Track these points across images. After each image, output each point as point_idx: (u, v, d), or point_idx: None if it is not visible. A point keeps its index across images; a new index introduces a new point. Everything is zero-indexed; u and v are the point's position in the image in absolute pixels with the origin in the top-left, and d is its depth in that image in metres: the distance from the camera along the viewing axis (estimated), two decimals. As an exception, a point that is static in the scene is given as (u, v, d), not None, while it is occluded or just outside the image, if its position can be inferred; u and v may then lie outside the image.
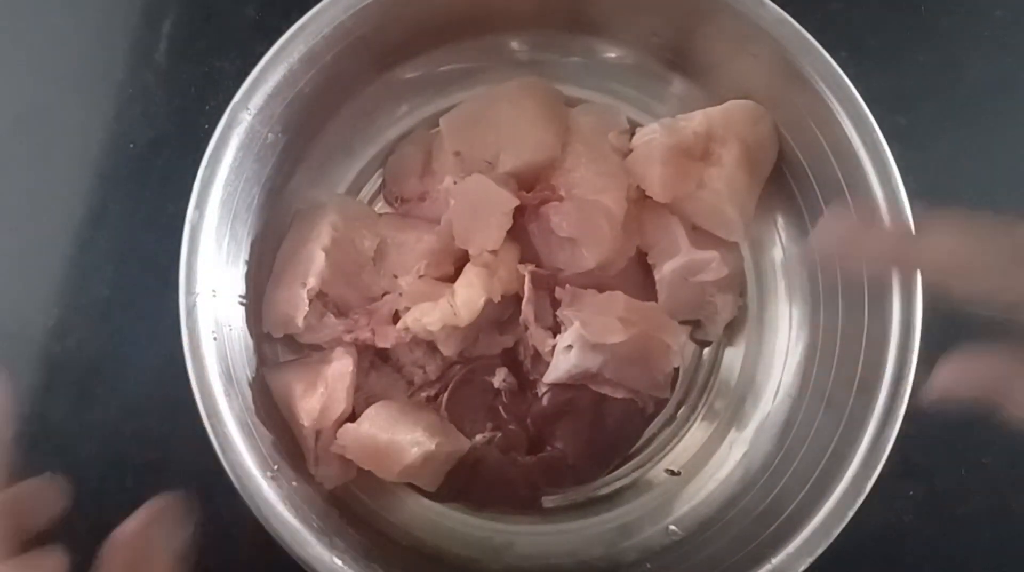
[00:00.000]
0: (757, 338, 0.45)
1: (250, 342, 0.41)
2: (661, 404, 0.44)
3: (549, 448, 0.42)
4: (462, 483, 0.42)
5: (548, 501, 0.44)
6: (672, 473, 0.44)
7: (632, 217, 0.43)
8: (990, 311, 0.29)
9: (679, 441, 0.45)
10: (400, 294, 0.42)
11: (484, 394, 0.43)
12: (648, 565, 0.41)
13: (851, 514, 0.35)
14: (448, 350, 0.42)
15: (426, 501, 0.43)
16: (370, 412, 0.40)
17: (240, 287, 0.40)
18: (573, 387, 0.42)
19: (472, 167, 0.43)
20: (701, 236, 0.43)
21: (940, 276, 0.30)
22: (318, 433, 0.39)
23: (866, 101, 0.37)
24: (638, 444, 0.45)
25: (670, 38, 0.43)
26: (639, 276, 0.44)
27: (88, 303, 0.47)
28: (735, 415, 0.44)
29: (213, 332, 0.37)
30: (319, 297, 0.41)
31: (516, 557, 0.43)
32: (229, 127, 0.37)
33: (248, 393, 0.39)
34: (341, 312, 0.42)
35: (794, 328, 0.44)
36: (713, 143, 0.41)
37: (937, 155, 0.48)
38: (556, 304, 0.42)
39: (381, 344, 0.41)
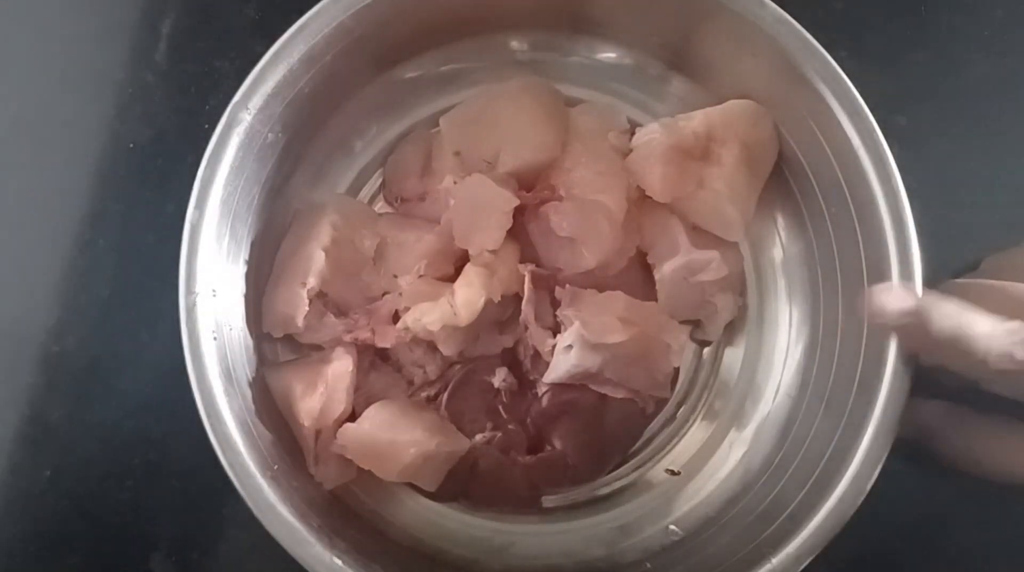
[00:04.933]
0: (757, 338, 0.45)
1: (250, 342, 0.41)
2: (661, 404, 0.44)
3: (549, 448, 0.42)
4: (462, 483, 0.42)
5: (548, 501, 0.44)
6: (672, 473, 0.44)
7: (632, 217, 0.43)
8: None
9: (679, 441, 0.45)
10: (400, 294, 0.42)
11: (484, 394, 0.43)
12: (648, 565, 0.41)
13: (851, 514, 0.35)
14: (448, 350, 0.42)
15: (426, 501, 0.43)
16: (370, 412, 0.40)
17: (240, 287, 0.40)
18: (573, 387, 0.42)
19: (472, 167, 0.43)
20: (701, 236, 0.43)
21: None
22: (318, 433, 0.39)
23: (866, 101, 0.37)
24: (638, 444, 0.45)
25: (670, 38, 0.43)
26: (639, 276, 0.44)
27: (88, 303, 0.47)
28: (735, 415, 0.44)
29: (213, 332, 0.36)
30: (319, 297, 0.41)
31: (516, 557, 0.43)
32: (229, 127, 0.37)
33: (248, 393, 0.39)
34: (341, 312, 0.42)
35: (794, 328, 0.44)
36: (713, 143, 0.41)
37: (937, 155, 0.48)
38: (556, 304, 0.42)
39: (381, 344, 0.41)
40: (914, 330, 0.33)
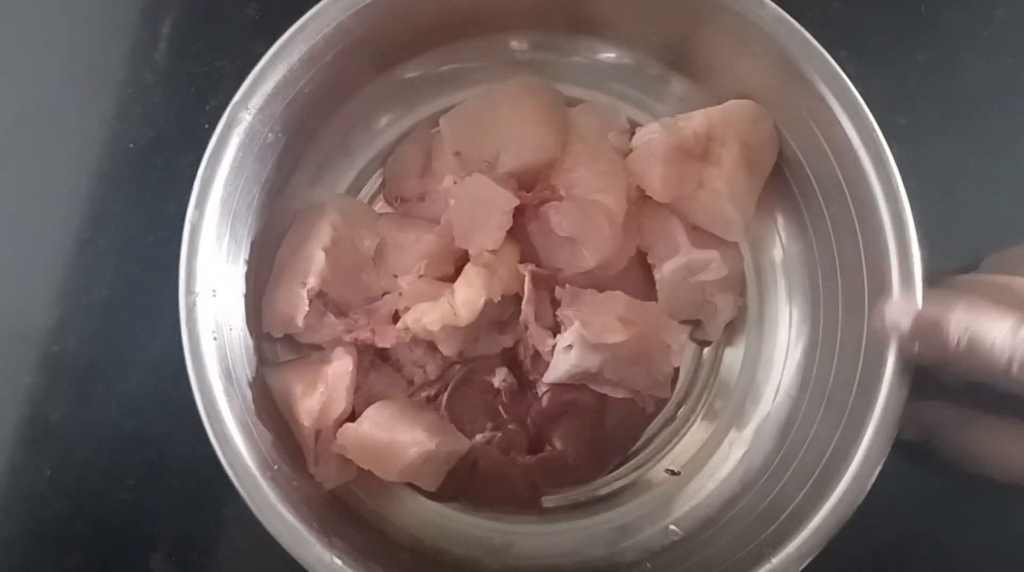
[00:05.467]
0: (757, 338, 0.45)
1: (250, 342, 0.41)
2: (661, 404, 0.44)
3: (549, 448, 0.42)
4: (462, 483, 0.42)
5: (548, 501, 0.44)
6: (672, 473, 0.44)
7: (632, 217, 0.43)
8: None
9: (679, 441, 0.45)
10: (400, 294, 0.42)
11: (484, 394, 0.43)
12: (648, 565, 0.41)
13: (851, 514, 0.35)
14: (448, 350, 0.42)
15: (426, 501, 0.43)
16: (370, 412, 0.40)
17: (240, 287, 0.40)
18: (573, 387, 0.42)
19: (472, 167, 0.43)
20: (701, 236, 0.43)
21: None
22: (318, 433, 0.39)
23: (866, 101, 0.37)
24: (638, 444, 0.45)
25: (670, 38, 0.43)
26: (639, 276, 0.44)
27: (88, 303, 0.47)
28: (735, 415, 0.44)
29: (213, 332, 0.37)
30: (319, 297, 0.41)
31: (516, 557, 0.43)
32: (229, 127, 0.37)
33: (248, 393, 0.39)
34: (341, 312, 0.42)
35: (794, 328, 0.44)
36: (713, 143, 0.41)
37: (937, 155, 0.48)
38: (556, 304, 0.42)
39: (381, 344, 0.41)
40: (929, 341, 0.33)
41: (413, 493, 0.43)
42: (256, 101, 0.38)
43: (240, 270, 0.40)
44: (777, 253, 0.45)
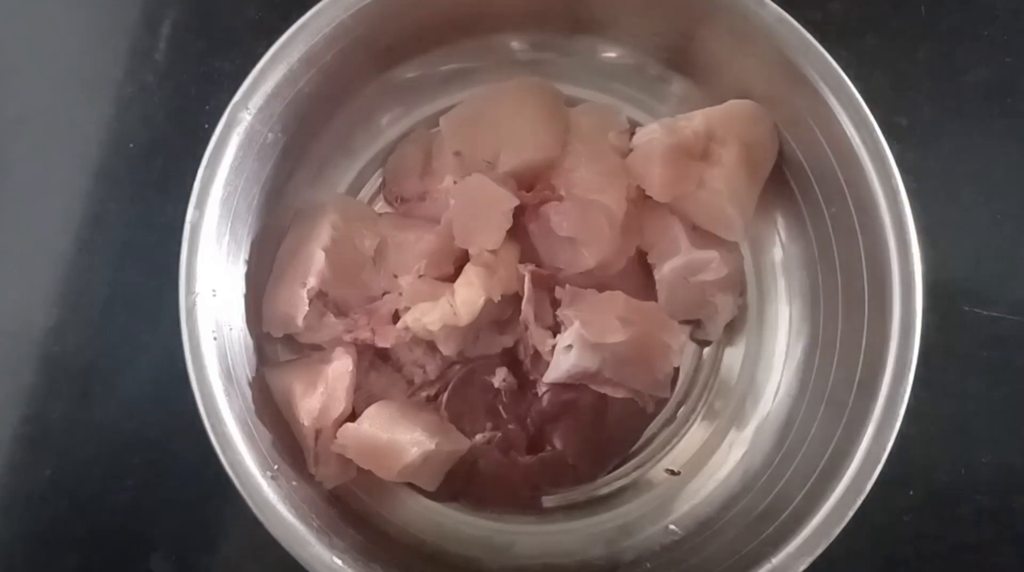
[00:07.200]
0: (757, 338, 0.45)
1: (250, 342, 0.41)
2: (661, 404, 0.44)
3: (549, 448, 0.42)
4: (462, 483, 0.42)
5: (548, 501, 0.44)
6: (672, 473, 0.44)
7: (632, 217, 0.43)
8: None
9: (679, 441, 0.45)
10: (400, 294, 0.42)
11: (484, 394, 0.43)
12: (648, 565, 0.41)
13: (851, 514, 0.35)
14: (448, 350, 0.42)
15: (426, 501, 0.43)
16: (370, 412, 0.40)
17: (240, 287, 0.40)
18: (573, 387, 0.42)
19: (472, 167, 0.43)
20: (701, 236, 0.43)
21: None
22: (318, 433, 0.39)
23: (866, 101, 0.37)
24: (638, 444, 0.45)
25: (670, 38, 0.43)
26: (639, 276, 0.44)
27: (88, 303, 0.47)
28: (735, 415, 0.44)
29: (213, 332, 0.36)
30: (319, 297, 0.41)
31: (516, 557, 0.43)
32: (229, 127, 0.37)
33: (248, 393, 0.39)
34: (341, 312, 0.42)
35: (794, 328, 0.44)
36: (713, 143, 0.41)
37: (937, 155, 0.48)
38: (556, 304, 0.42)
39: (381, 344, 0.41)
40: None
41: (413, 493, 0.43)
42: (256, 101, 0.38)
43: (240, 270, 0.40)
44: (777, 253, 0.45)
